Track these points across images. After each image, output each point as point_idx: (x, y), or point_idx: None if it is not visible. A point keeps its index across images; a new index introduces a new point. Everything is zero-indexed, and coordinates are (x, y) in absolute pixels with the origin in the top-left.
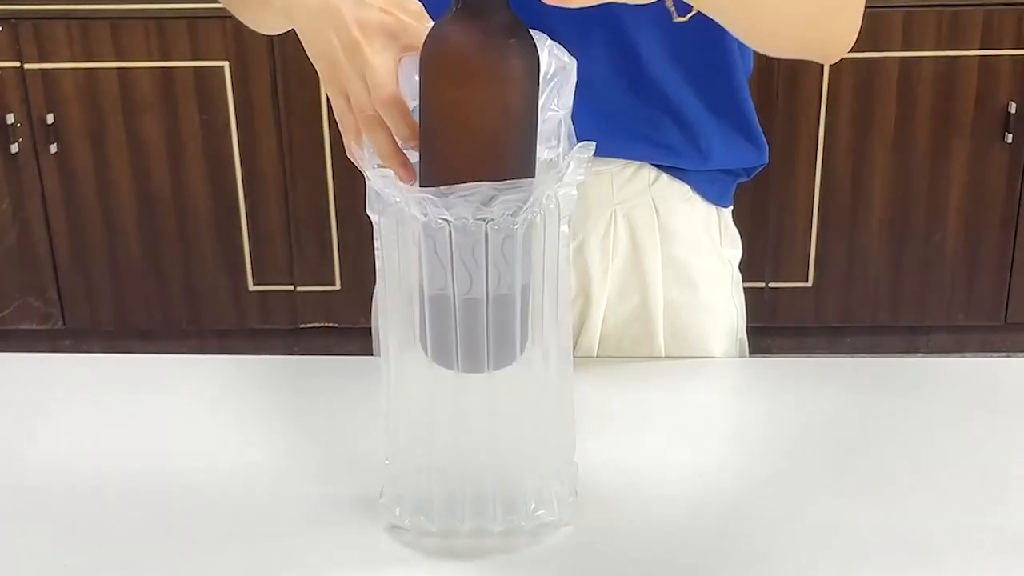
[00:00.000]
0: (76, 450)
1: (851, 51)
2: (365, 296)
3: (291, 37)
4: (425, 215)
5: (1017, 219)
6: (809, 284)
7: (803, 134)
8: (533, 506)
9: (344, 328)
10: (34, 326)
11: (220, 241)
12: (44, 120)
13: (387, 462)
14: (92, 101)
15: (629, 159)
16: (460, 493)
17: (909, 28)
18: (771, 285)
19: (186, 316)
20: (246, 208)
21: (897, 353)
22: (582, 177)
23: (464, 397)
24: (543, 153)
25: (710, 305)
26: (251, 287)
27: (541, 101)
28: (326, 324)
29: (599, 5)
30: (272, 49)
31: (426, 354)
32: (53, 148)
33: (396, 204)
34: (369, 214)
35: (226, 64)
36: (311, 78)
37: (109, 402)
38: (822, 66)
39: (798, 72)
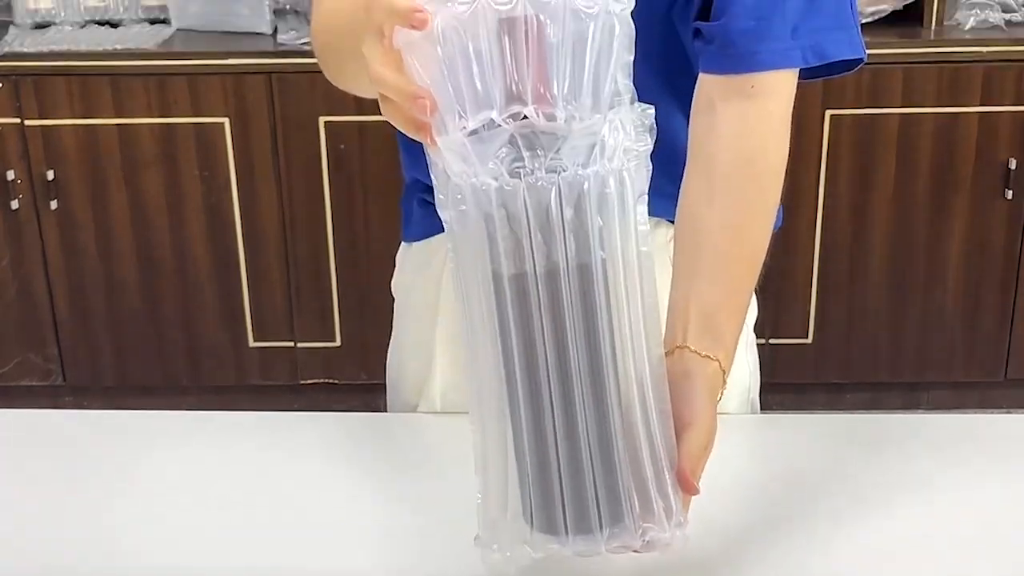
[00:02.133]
0: (76, 506)
1: (851, 107)
2: (365, 352)
3: (291, 94)
4: (497, 179)
5: (1017, 276)
6: (809, 340)
7: (804, 189)
8: (641, 525)
9: (344, 384)
10: (35, 383)
11: (220, 297)
12: (44, 176)
13: (479, 498)
14: (92, 157)
15: (649, 216)
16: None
17: (909, 84)
18: (771, 341)
19: (186, 372)
20: (246, 264)
21: (897, 409)
22: (647, 144)
23: (548, 415)
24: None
25: None
26: (251, 343)
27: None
28: (326, 380)
29: None
30: (272, 105)
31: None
32: (54, 204)
33: (470, 184)
34: (441, 214)
35: (226, 120)
36: (311, 135)
37: (110, 458)
38: (822, 122)
39: (799, 128)
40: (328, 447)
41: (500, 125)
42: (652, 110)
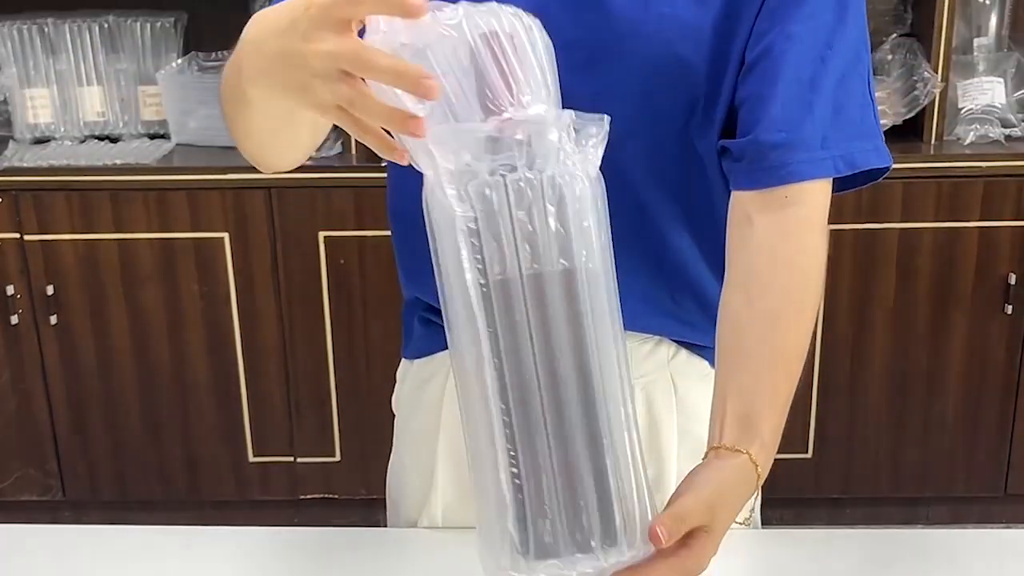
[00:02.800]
0: None
1: (851, 222)
2: (365, 467)
3: (290, 208)
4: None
5: (1017, 390)
6: (809, 455)
7: None
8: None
9: (344, 499)
10: (34, 497)
11: (220, 412)
12: (44, 291)
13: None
14: (92, 272)
15: (650, 333)
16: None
17: (909, 198)
18: None
19: (186, 487)
20: (246, 379)
21: (897, 524)
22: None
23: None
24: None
25: None
26: (251, 458)
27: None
28: (326, 495)
29: (619, 178)
30: (272, 220)
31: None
32: (53, 319)
33: (483, 177)
34: (433, 215)
35: (226, 235)
36: (311, 249)
37: (109, 574)
38: None
39: None
40: (328, 562)
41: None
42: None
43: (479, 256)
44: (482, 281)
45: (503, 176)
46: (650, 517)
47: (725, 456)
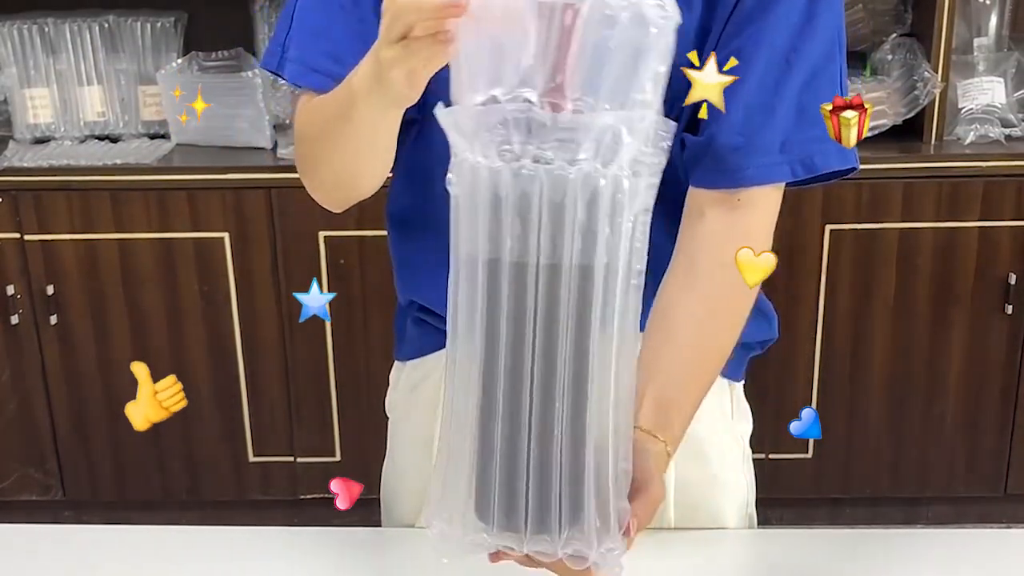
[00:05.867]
0: None
1: (851, 222)
2: (366, 467)
3: (291, 208)
4: (486, 158)
5: (1017, 390)
6: (809, 455)
7: (804, 304)
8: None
9: None
10: (34, 497)
11: (220, 412)
12: (44, 292)
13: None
14: (92, 272)
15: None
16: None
17: (909, 198)
18: (771, 456)
19: (186, 487)
20: (246, 379)
21: (897, 524)
22: (659, 159)
23: (526, 413)
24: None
25: (722, 481)
26: (251, 458)
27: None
28: (327, 495)
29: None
30: (272, 220)
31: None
32: (53, 319)
33: (469, 162)
34: (451, 189)
35: (226, 235)
36: (311, 249)
37: (109, 574)
38: (822, 236)
39: (798, 242)
40: (328, 562)
41: (500, 103)
42: (672, 125)
43: (500, 234)
44: (495, 258)
45: (543, 163)
46: (618, 520)
47: (646, 438)
